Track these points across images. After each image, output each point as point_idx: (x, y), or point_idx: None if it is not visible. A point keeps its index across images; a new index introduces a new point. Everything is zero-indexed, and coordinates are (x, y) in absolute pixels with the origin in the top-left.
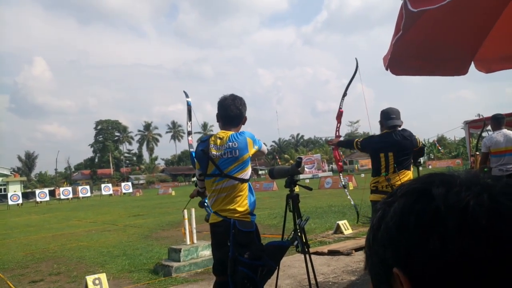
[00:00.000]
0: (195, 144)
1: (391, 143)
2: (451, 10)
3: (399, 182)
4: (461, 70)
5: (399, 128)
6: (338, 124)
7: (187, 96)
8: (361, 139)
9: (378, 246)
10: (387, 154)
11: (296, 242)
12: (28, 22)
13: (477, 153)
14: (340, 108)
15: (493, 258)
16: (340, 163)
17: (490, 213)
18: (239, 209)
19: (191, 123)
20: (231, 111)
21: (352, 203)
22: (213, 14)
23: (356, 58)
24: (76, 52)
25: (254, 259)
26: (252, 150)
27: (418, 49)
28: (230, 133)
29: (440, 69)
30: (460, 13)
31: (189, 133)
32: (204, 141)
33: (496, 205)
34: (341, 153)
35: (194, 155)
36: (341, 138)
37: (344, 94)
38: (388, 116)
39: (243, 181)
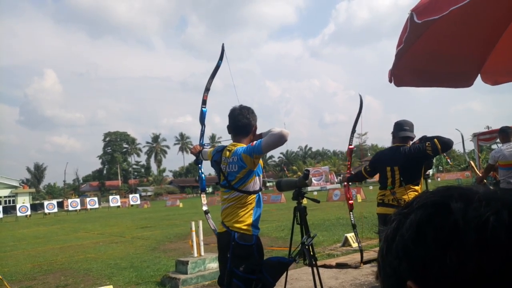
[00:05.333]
0: (209, 103)
1: (398, 157)
2: (457, 23)
3: (405, 197)
4: (466, 82)
5: (411, 142)
6: (350, 161)
7: (222, 53)
8: (367, 164)
9: (392, 258)
10: (393, 168)
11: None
12: (38, 35)
13: (470, 161)
14: (350, 144)
15: (511, 276)
16: (351, 202)
17: (510, 230)
18: (242, 221)
19: (212, 81)
20: (239, 121)
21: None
22: (221, 27)
23: (360, 94)
24: (85, 64)
25: (248, 273)
26: (250, 163)
27: (424, 61)
28: (237, 146)
29: (445, 80)
30: (466, 26)
31: (207, 90)
32: (219, 152)
33: None
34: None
35: (204, 115)
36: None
37: (353, 132)
38: (401, 128)
39: (249, 193)
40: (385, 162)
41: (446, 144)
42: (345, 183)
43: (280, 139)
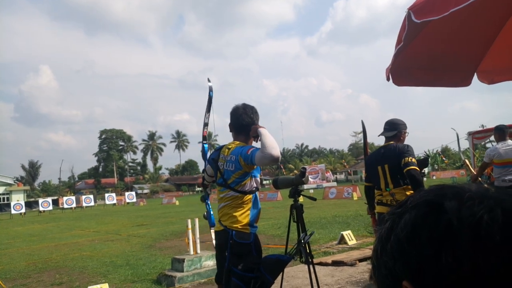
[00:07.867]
0: (210, 147)
1: (386, 155)
2: (454, 22)
3: (404, 198)
4: (464, 81)
5: (392, 142)
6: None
7: (210, 88)
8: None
9: (387, 258)
10: (383, 167)
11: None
12: (34, 31)
13: (465, 159)
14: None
15: (506, 274)
16: None
17: (504, 228)
18: (239, 220)
19: (209, 115)
20: (243, 120)
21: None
22: (219, 25)
23: (362, 121)
24: (82, 61)
25: (246, 271)
26: (245, 167)
27: (421, 60)
28: (237, 145)
29: (443, 80)
30: (463, 25)
31: (206, 125)
32: (217, 150)
33: (509, 220)
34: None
35: (206, 150)
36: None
37: (365, 154)
38: (384, 128)
39: (245, 193)
40: (375, 162)
41: (416, 182)
42: (371, 215)
43: (271, 162)
